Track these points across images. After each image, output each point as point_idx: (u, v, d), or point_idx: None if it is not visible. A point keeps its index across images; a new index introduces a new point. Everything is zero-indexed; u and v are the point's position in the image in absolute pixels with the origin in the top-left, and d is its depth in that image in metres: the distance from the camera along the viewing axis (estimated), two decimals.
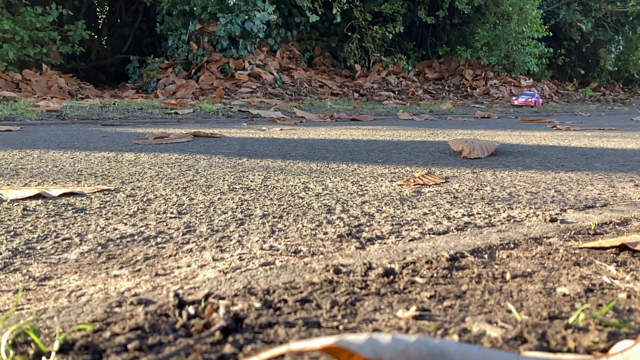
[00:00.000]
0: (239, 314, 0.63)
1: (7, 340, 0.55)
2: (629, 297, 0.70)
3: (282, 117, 5.39)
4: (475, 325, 0.61)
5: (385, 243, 1.02)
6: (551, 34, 11.85)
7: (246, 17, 8.13)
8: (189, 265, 0.89)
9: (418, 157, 2.36)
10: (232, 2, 7.96)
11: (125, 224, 1.15)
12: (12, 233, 1.07)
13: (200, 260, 0.92)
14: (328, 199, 1.43)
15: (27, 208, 1.28)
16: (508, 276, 0.78)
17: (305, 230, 1.11)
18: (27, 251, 0.96)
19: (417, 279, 0.78)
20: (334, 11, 9.41)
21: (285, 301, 0.69)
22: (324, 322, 0.62)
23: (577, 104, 10.57)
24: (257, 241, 1.04)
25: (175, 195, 1.47)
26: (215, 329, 0.59)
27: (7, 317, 0.60)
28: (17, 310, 0.69)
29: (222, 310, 0.65)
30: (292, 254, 0.95)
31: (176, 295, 0.67)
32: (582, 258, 0.88)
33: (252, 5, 8.22)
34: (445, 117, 6.22)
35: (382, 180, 1.74)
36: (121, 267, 0.88)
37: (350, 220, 1.20)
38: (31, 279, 0.83)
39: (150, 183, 1.64)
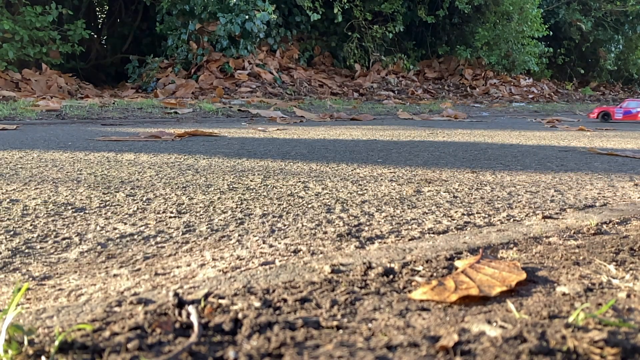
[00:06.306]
0: (238, 314, 0.63)
1: (6, 339, 0.55)
2: (628, 296, 0.70)
3: (282, 117, 5.39)
4: (475, 325, 0.61)
5: (384, 242, 1.02)
6: (551, 33, 11.86)
7: (246, 17, 8.13)
8: (188, 265, 0.89)
9: (418, 156, 2.36)
10: (232, 2, 7.95)
11: (125, 224, 1.15)
12: (12, 233, 1.07)
13: (199, 260, 0.92)
14: (328, 199, 1.43)
15: (27, 207, 1.28)
16: None
17: (305, 230, 1.11)
18: (26, 251, 0.96)
19: (417, 278, 0.78)
20: (335, 10, 9.41)
21: (285, 300, 0.69)
22: (323, 322, 0.62)
23: (577, 104, 10.57)
24: (256, 240, 1.04)
25: (175, 194, 1.47)
26: (214, 328, 0.59)
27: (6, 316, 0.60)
28: (16, 307, 0.69)
29: (221, 310, 0.65)
30: (292, 254, 0.95)
31: (176, 294, 0.67)
32: (581, 257, 0.88)
33: (252, 5, 8.22)
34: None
35: (381, 179, 1.74)
36: (121, 267, 0.88)
37: (350, 220, 1.20)
38: (31, 279, 0.83)
39: (150, 182, 1.64)
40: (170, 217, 1.21)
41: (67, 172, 1.81)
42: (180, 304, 0.65)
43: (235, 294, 0.71)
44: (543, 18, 11.73)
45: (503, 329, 0.59)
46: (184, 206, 1.32)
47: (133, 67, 8.99)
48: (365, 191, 1.54)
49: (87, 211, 1.26)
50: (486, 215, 1.25)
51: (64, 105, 5.38)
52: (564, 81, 14.16)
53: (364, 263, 0.84)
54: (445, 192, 1.54)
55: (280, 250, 0.98)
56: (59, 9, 8.15)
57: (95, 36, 10.68)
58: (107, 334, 0.58)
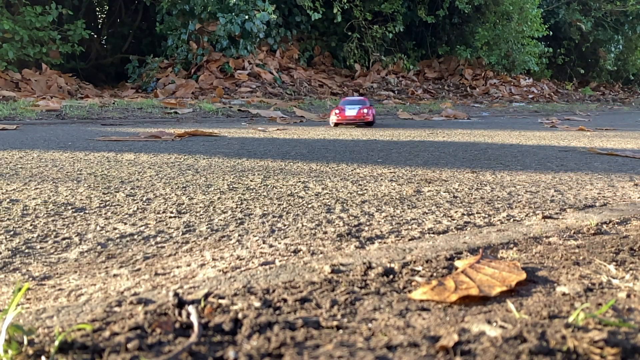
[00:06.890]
0: (238, 314, 0.63)
1: (6, 339, 0.55)
2: (628, 296, 0.70)
3: (282, 117, 5.39)
4: (475, 325, 0.61)
5: (384, 242, 1.02)
6: (551, 33, 11.86)
7: (246, 17, 8.13)
8: (188, 265, 0.89)
9: (418, 156, 2.36)
10: (232, 2, 7.95)
11: (125, 224, 1.15)
12: (12, 232, 1.07)
13: (199, 260, 0.92)
14: (328, 199, 1.43)
15: (27, 207, 1.28)
16: None
17: (305, 230, 1.11)
18: (26, 250, 0.96)
19: (417, 278, 0.78)
20: (335, 10, 9.41)
21: (285, 300, 0.69)
22: (323, 322, 0.62)
23: (577, 104, 10.57)
24: (256, 240, 1.03)
25: (175, 194, 1.47)
26: (214, 328, 0.59)
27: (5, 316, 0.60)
28: (16, 307, 0.69)
29: (221, 310, 0.65)
30: (292, 254, 0.95)
31: (176, 294, 0.67)
32: (581, 257, 0.88)
33: (252, 5, 8.22)
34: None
35: (381, 179, 1.74)
36: (121, 267, 0.88)
37: (349, 220, 1.20)
38: (31, 279, 0.83)
39: (150, 182, 1.64)
40: (170, 217, 1.21)
41: (67, 172, 1.81)
42: (180, 304, 0.65)
43: (235, 294, 0.71)
44: (543, 18, 11.73)
45: (503, 329, 0.59)
46: (184, 206, 1.32)
47: (133, 67, 8.99)
48: (365, 191, 1.54)
49: (87, 211, 1.26)
50: (486, 215, 1.25)
51: (64, 105, 5.38)
52: (564, 81, 14.16)
53: (364, 263, 0.84)
54: (445, 192, 1.54)
55: (280, 250, 0.98)
56: (59, 9, 8.15)
57: (95, 36, 10.67)
58: (107, 334, 0.58)
